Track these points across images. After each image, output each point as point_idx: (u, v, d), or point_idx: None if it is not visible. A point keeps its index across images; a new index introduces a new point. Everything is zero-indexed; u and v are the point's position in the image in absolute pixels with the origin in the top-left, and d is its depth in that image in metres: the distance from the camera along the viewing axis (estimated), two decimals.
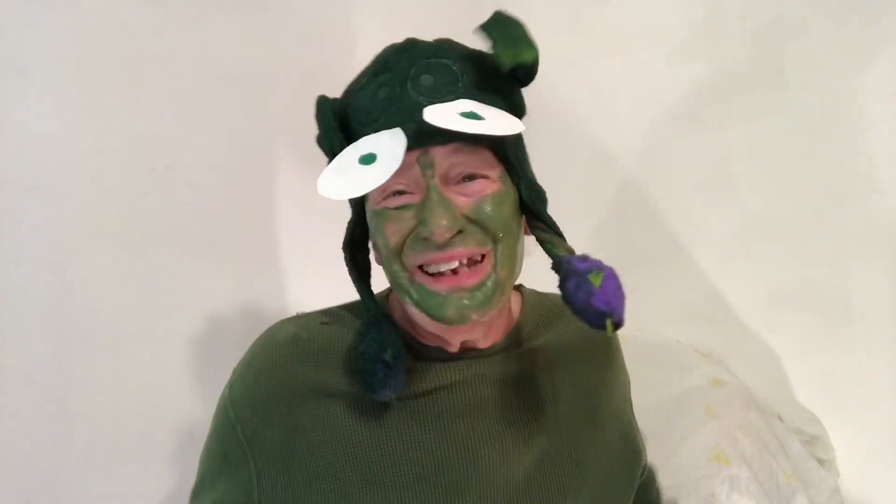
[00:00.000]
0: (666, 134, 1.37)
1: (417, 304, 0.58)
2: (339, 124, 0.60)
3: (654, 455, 0.78)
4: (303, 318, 0.68)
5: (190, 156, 1.01)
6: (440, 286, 0.56)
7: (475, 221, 0.57)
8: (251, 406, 0.62)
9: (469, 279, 0.56)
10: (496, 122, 0.54)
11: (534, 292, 0.76)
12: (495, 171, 0.58)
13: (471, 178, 0.57)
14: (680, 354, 1.24)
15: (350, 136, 0.60)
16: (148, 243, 0.94)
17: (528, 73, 0.59)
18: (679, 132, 1.35)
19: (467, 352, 0.64)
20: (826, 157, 1.17)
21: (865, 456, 1.14)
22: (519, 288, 0.76)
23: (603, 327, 0.53)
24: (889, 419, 1.12)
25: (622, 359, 0.77)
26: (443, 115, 0.52)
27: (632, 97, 1.42)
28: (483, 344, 0.65)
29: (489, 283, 0.57)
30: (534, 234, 0.63)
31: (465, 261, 0.57)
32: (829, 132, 1.16)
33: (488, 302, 0.57)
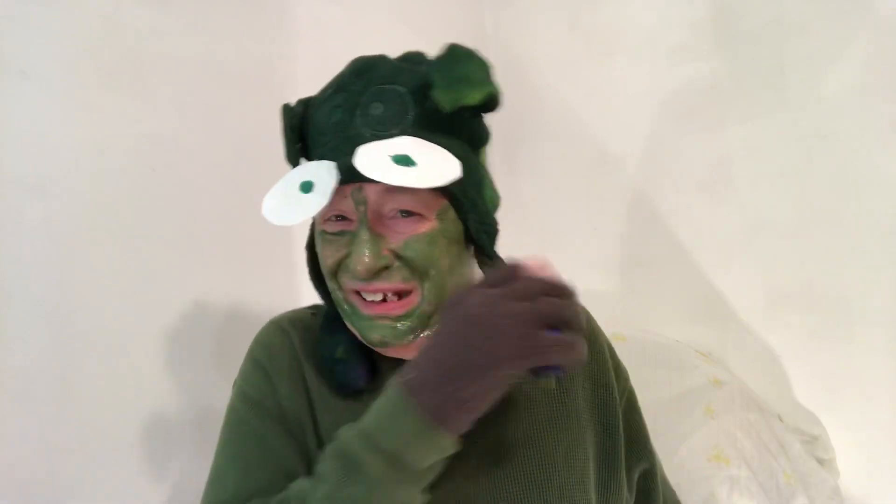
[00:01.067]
0: (666, 134, 1.37)
1: (350, 323, 0.61)
2: (300, 135, 0.62)
3: None
4: (294, 310, 0.73)
5: (190, 156, 1.01)
6: (369, 310, 0.59)
7: (402, 258, 0.57)
8: (268, 370, 0.65)
9: (396, 308, 0.58)
10: (427, 169, 0.53)
11: None
12: (432, 210, 0.58)
13: (407, 214, 0.57)
14: (680, 354, 1.24)
15: (306, 149, 0.62)
16: (148, 243, 0.94)
17: (483, 108, 0.59)
18: (679, 132, 1.35)
19: None
20: (826, 157, 1.17)
21: (865, 456, 1.14)
22: None
23: (549, 378, 0.55)
24: (889, 419, 1.12)
25: (603, 351, 0.74)
26: (372, 160, 0.53)
27: (632, 97, 1.42)
28: None
29: (415, 316, 0.59)
30: (481, 269, 0.63)
31: (389, 294, 0.58)
32: (829, 132, 1.16)
33: (411, 333, 0.59)
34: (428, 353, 0.50)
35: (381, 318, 0.58)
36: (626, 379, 0.76)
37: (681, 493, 1.02)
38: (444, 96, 0.57)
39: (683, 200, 1.35)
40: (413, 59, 0.62)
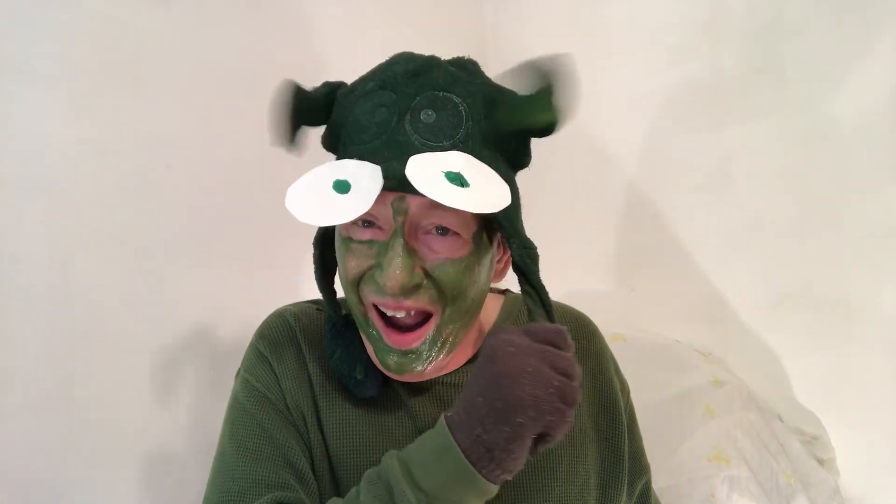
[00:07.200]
0: (666, 134, 1.37)
1: (366, 337, 0.61)
2: (329, 120, 0.61)
3: (654, 455, 0.78)
4: (297, 303, 0.73)
5: (190, 156, 1.01)
6: (388, 337, 0.58)
7: (432, 279, 0.56)
8: (272, 363, 0.65)
9: (413, 340, 0.58)
10: (479, 193, 0.51)
11: (516, 300, 0.74)
12: (469, 231, 0.56)
13: (443, 231, 0.56)
14: (680, 354, 1.24)
15: (335, 140, 0.60)
16: (148, 243, 0.94)
17: (541, 133, 0.58)
18: (679, 132, 1.35)
19: None
20: (826, 157, 1.17)
21: (865, 456, 1.15)
22: (505, 292, 0.76)
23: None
24: (889, 419, 1.12)
25: (609, 369, 0.74)
26: (426, 174, 0.50)
27: (632, 97, 1.42)
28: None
29: (433, 345, 0.58)
30: (522, 296, 0.61)
31: (412, 312, 0.57)
32: (829, 132, 1.16)
33: (428, 361, 0.58)
34: (465, 391, 0.51)
35: (399, 349, 0.58)
36: (629, 394, 0.76)
37: (681, 493, 1.02)
38: (510, 118, 0.56)
39: (683, 200, 1.35)
40: (469, 69, 0.59)
